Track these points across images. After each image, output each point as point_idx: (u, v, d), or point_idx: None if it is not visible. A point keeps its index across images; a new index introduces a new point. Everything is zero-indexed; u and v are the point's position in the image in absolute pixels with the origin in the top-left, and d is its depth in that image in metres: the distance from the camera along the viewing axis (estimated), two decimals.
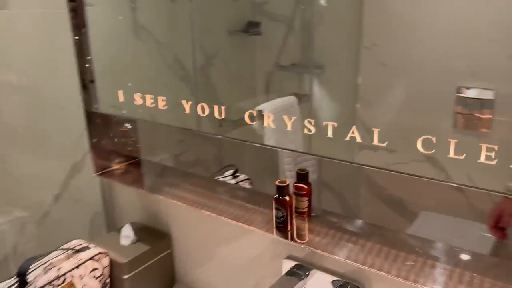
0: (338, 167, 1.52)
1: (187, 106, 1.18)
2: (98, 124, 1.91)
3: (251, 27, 1.82)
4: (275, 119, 1.20)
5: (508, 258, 1.09)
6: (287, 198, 0.90)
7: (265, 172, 1.88)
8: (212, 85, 1.76)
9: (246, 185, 1.14)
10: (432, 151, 1.22)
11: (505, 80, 1.21)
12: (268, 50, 1.90)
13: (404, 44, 1.56)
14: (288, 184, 0.91)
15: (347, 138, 1.11)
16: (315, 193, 1.40)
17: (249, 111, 1.28)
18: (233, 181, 1.12)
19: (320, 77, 1.70)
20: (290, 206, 0.90)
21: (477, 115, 1.45)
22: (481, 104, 1.39)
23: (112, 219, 2.09)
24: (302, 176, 0.97)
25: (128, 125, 1.83)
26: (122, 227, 1.70)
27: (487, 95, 1.37)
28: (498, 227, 0.95)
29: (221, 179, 1.16)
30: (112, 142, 1.87)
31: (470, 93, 1.46)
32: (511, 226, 0.97)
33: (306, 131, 1.04)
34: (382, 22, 1.53)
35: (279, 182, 0.90)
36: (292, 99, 1.38)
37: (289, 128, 0.99)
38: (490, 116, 1.41)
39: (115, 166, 1.73)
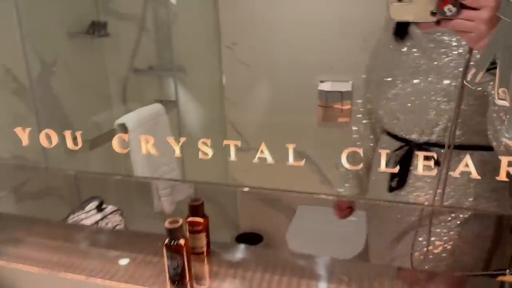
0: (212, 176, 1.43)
1: (23, 135, 0.85)
2: None
3: (97, 28, 1.60)
4: (141, 133, 1.04)
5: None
6: (182, 242, 0.69)
7: (137, 197, 1.67)
8: (56, 97, 1.49)
9: (117, 217, 0.95)
10: (301, 147, 1.20)
11: (359, 72, 1.26)
12: (119, 53, 1.70)
13: (263, 43, 1.54)
14: (181, 224, 0.70)
15: (229, 156, 0.98)
16: None
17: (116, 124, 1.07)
18: (99, 216, 0.91)
19: (184, 80, 1.58)
20: (187, 250, 0.70)
21: (338, 107, 1.52)
22: (341, 96, 1.46)
23: None
24: (196, 209, 0.76)
25: None
26: None
27: (346, 87, 1.44)
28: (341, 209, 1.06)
29: (82, 215, 0.93)
30: None
31: (329, 87, 1.52)
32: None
33: (177, 152, 0.91)
34: (239, 21, 1.48)
35: (170, 223, 0.69)
36: (158, 107, 1.23)
37: (154, 152, 0.84)
38: (350, 107, 1.49)
39: None
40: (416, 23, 0.81)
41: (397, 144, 0.84)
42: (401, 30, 0.83)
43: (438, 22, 0.60)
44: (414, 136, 0.82)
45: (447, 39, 0.77)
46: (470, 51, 0.59)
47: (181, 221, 0.69)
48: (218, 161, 0.95)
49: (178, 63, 1.61)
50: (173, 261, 0.70)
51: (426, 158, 0.72)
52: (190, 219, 0.74)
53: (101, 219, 0.89)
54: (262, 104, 1.58)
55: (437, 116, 0.78)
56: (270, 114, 1.58)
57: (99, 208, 0.90)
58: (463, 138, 0.78)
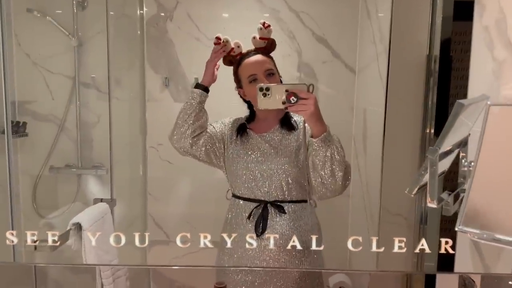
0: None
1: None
2: None
3: (14, 129, 1.61)
4: (93, 231, 1.10)
5: None
6: None
7: None
8: None
9: None
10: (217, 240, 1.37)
11: None
12: (35, 152, 1.70)
13: None
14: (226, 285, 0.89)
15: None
16: None
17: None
18: None
19: (105, 177, 1.65)
20: None
21: None
22: None
23: None
24: None
25: None
26: None
27: None
28: None
29: None
30: None
31: None
32: None
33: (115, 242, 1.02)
34: (165, 123, 1.67)
35: (218, 284, 0.89)
36: (104, 206, 1.29)
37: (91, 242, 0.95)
38: None
39: None
40: (253, 129, 1.22)
41: (253, 204, 1.19)
42: (242, 132, 1.22)
43: (286, 108, 1.05)
44: (266, 198, 1.19)
45: (271, 138, 1.21)
46: (304, 122, 1.12)
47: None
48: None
49: (99, 160, 1.69)
50: None
51: (277, 209, 1.15)
52: None
53: None
54: (182, 198, 1.74)
55: (280, 184, 1.18)
56: (190, 207, 1.73)
57: None
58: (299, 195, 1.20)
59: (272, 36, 1.19)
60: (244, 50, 1.20)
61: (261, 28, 1.17)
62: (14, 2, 1.65)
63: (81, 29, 1.66)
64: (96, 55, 1.66)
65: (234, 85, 1.24)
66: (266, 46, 1.18)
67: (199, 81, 1.19)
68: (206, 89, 1.19)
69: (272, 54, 1.20)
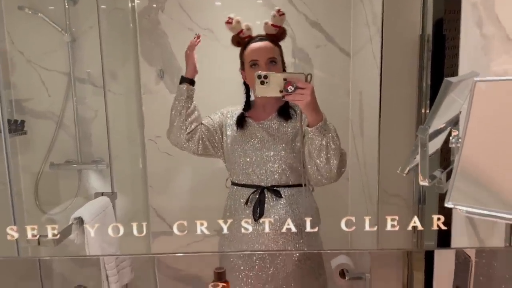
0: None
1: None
2: None
3: (13, 127, 1.62)
4: (94, 224, 1.12)
5: None
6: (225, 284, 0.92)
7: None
8: None
9: None
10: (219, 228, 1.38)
11: None
12: (35, 149, 1.71)
13: None
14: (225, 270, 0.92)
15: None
16: None
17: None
18: None
19: (105, 172, 1.66)
20: None
21: None
22: None
23: None
24: (220, 275, 0.96)
25: None
26: None
27: None
28: None
29: None
30: None
31: None
32: None
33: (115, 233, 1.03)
34: (162, 115, 1.67)
35: (217, 269, 0.92)
36: (105, 199, 1.31)
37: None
38: None
39: None
40: (251, 117, 1.23)
41: (251, 190, 1.21)
42: (241, 121, 1.23)
43: (283, 97, 1.05)
44: (263, 183, 1.20)
45: (269, 125, 1.22)
46: (301, 112, 1.11)
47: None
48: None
49: (98, 155, 1.70)
50: None
51: (274, 193, 1.17)
52: (215, 283, 0.90)
53: None
54: (183, 190, 1.75)
55: (276, 169, 1.19)
56: (192, 198, 1.74)
57: None
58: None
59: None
60: (253, 34, 1.20)
61: (274, 15, 1.16)
62: (5, 0, 1.65)
63: (74, 24, 1.65)
64: (90, 50, 1.66)
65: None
66: (277, 34, 1.19)
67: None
68: (192, 82, 1.20)
69: None
